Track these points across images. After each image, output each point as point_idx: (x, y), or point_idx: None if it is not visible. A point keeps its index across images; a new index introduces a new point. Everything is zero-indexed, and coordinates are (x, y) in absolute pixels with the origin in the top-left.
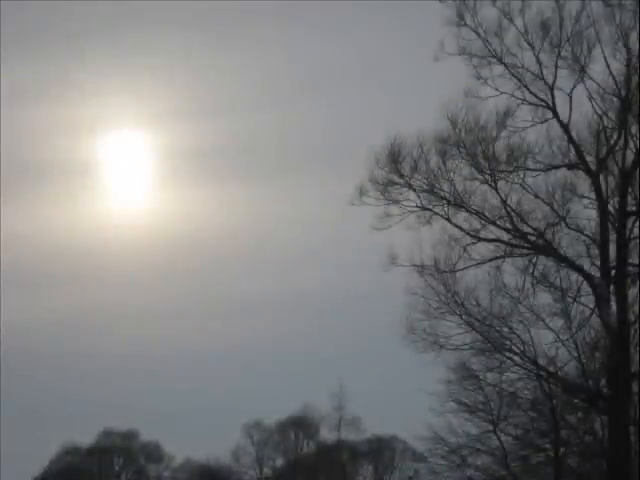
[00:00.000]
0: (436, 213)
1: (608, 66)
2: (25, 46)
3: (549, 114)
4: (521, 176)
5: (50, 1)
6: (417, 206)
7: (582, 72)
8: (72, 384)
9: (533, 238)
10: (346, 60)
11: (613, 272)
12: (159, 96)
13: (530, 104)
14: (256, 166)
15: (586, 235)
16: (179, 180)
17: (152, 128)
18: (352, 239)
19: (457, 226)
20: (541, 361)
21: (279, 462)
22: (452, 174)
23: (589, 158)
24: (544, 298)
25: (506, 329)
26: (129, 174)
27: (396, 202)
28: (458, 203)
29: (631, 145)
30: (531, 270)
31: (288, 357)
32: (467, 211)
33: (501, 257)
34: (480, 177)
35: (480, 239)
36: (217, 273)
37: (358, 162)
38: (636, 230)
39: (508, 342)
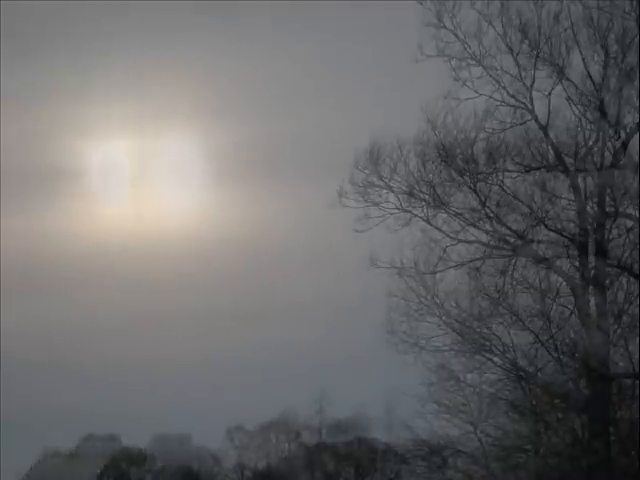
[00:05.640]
0: (415, 215)
1: (586, 67)
2: (19, 48)
3: (528, 116)
4: (500, 178)
5: (41, 1)
6: (397, 208)
7: (560, 74)
8: (53, 388)
9: (512, 239)
10: (324, 63)
11: (592, 273)
12: (149, 98)
13: (509, 106)
14: (256, 169)
15: (565, 236)
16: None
17: (141, 132)
18: (334, 243)
19: (437, 228)
20: (521, 362)
21: (261, 465)
22: (431, 176)
23: (567, 159)
24: (524, 299)
25: (486, 330)
26: (119, 179)
27: (376, 204)
28: (437, 205)
29: (609, 146)
30: (510, 271)
31: (270, 361)
32: (446, 213)
33: (481, 258)
34: (459, 179)
35: (460, 241)
36: (206, 281)
37: (345, 165)
38: (615, 231)
39: (488, 343)
